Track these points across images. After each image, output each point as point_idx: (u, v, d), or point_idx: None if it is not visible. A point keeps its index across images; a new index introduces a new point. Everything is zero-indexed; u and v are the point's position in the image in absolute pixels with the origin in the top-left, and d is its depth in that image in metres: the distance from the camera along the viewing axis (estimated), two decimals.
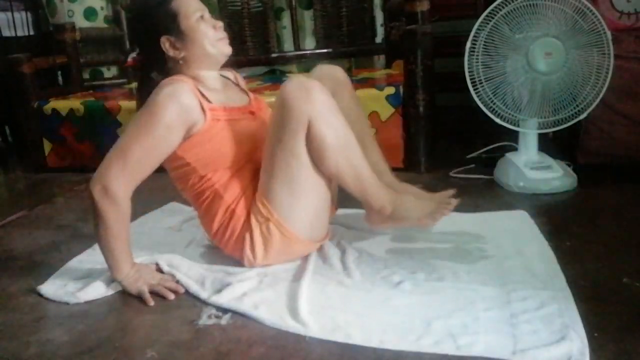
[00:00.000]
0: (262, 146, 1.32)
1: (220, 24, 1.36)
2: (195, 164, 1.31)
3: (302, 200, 1.28)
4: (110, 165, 1.23)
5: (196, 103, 1.27)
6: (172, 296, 1.27)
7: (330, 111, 1.23)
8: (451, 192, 1.35)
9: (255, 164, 1.34)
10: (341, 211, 1.53)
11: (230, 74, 1.53)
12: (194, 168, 1.32)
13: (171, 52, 1.33)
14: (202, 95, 1.30)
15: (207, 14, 1.35)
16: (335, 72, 1.46)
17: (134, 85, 2.98)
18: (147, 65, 1.39)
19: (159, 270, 1.36)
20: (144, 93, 1.31)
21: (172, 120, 1.24)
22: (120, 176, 1.22)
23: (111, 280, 1.32)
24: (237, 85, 1.52)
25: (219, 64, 1.38)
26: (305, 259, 1.38)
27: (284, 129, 1.23)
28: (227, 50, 1.37)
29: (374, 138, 1.49)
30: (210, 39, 1.33)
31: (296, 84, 1.23)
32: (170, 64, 1.35)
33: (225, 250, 1.39)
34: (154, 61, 1.36)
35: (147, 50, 1.38)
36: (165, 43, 1.32)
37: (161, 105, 1.24)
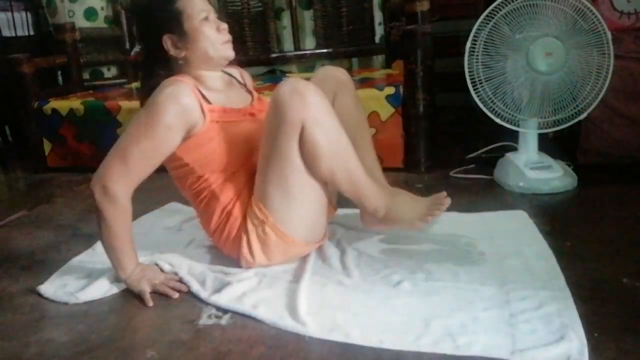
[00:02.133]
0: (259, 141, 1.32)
1: (224, 25, 1.34)
2: (193, 164, 1.31)
3: (298, 203, 1.28)
4: (110, 165, 1.23)
5: (196, 104, 1.27)
6: (176, 295, 1.27)
7: (324, 115, 1.22)
8: (444, 193, 1.33)
9: (252, 165, 1.34)
10: (341, 211, 1.53)
11: (236, 71, 1.51)
12: (192, 168, 1.32)
13: (172, 51, 1.32)
14: (203, 95, 1.30)
15: (212, 15, 1.34)
16: (339, 73, 1.46)
17: (134, 85, 2.98)
18: (149, 61, 1.38)
19: (162, 270, 1.36)
20: (147, 89, 1.31)
21: (172, 122, 1.23)
22: (120, 176, 1.23)
23: (111, 281, 1.33)
24: (243, 84, 1.50)
25: (220, 66, 1.38)
26: (305, 259, 1.38)
27: (277, 132, 1.22)
28: (230, 53, 1.36)
29: (371, 142, 1.48)
30: (213, 41, 1.32)
31: (290, 86, 1.22)
32: (172, 62, 1.34)
33: (223, 251, 1.39)
34: (156, 58, 1.35)
35: (148, 46, 1.37)
36: (167, 41, 1.31)
37: (161, 106, 1.23)
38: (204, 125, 1.28)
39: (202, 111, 1.27)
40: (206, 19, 1.31)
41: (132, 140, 1.24)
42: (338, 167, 1.24)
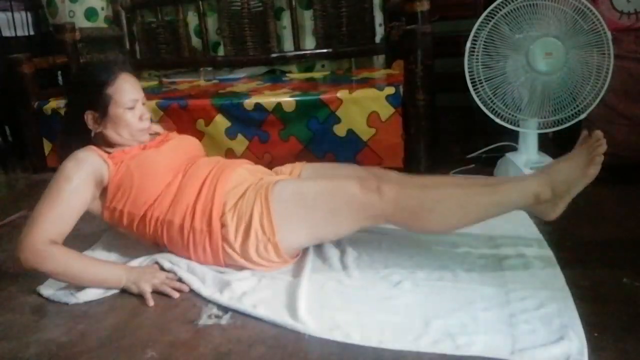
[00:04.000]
0: (180, 161, 1.41)
1: (147, 115, 1.43)
2: (128, 208, 1.37)
3: (308, 239, 1.33)
4: (27, 232, 1.27)
5: (97, 158, 1.36)
6: (176, 295, 1.28)
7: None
8: (593, 132, 1.25)
9: (175, 178, 1.38)
10: None
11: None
12: (130, 212, 1.37)
13: (90, 125, 1.40)
14: (103, 150, 1.39)
15: (140, 103, 1.42)
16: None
17: None
18: (67, 127, 1.46)
19: (162, 269, 1.36)
20: (61, 154, 1.40)
21: (78, 180, 1.31)
22: (38, 238, 1.26)
23: None
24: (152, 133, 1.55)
25: (129, 146, 1.43)
26: (304, 259, 1.38)
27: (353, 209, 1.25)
28: (143, 139, 1.45)
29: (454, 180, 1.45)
30: (131, 128, 1.40)
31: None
32: (87, 132, 1.40)
33: (215, 266, 1.37)
34: (73, 125, 1.42)
35: (70, 114, 1.46)
36: (88, 116, 1.39)
37: (68, 170, 1.32)
38: (110, 170, 1.36)
39: (104, 161, 1.36)
40: (132, 108, 1.39)
41: (44, 205, 1.29)
42: (461, 221, 1.26)
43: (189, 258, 1.37)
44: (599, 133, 1.23)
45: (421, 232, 1.31)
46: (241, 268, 1.34)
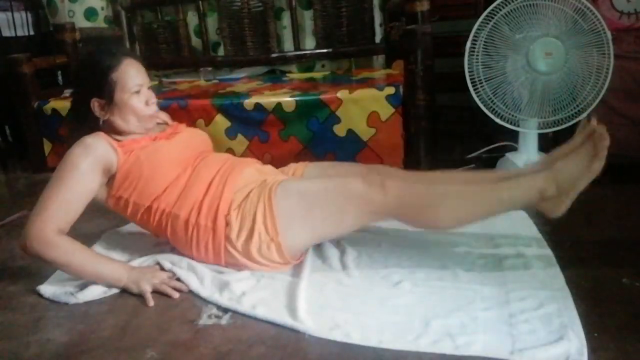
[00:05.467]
0: (190, 155, 1.41)
1: (154, 100, 1.42)
2: (134, 198, 1.36)
3: (311, 238, 1.33)
4: (35, 219, 1.27)
5: (106, 145, 1.34)
6: (176, 295, 1.28)
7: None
8: (584, 120, 1.25)
9: (184, 172, 1.38)
10: None
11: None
12: (136, 203, 1.37)
13: (97, 113, 1.38)
14: (113, 138, 1.38)
15: (145, 88, 1.40)
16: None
17: None
18: (74, 114, 1.45)
19: (162, 269, 1.37)
20: (70, 140, 1.37)
21: (85, 167, 1.30)
22: (46, 225, 1.26)
23: None
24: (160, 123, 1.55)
25: (138, 133, 1.42)
26: (304, 259, 1.38)
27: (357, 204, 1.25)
28: (151, 126, 1.44)
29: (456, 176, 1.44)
30: (138, 114, 1.39)
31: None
32: (94, 120, 1.39)
33: (215, 264, 1.37)
34: (80, 113, 1.41)
35: (77, 102, 1.44)
36: (94, 104, 1.37)
37: (75, 157, 1.31)
38: (119, 160, 1.34)
39: (114, 148, 1.34)
40: (137, 92, 1.37)
41: (51, 192, 1.29)
42: (462, 219, 1.26)
43: (190, 254, 1.37)
44: (601, 128, 1.22)
45: (425, 228, 1.31)
46: (241, 268, 1.34)
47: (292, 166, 1.51)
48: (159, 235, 1.42)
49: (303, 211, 1.27)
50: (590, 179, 1.23)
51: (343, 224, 1.28)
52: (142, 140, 1.40)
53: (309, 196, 1.27)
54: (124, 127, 1.39)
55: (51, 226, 1.26)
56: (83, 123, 1.39)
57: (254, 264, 1.32)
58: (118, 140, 1.38)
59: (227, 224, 1.30)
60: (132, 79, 1.37)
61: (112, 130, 1.40)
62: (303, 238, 1.31)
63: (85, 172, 1.30)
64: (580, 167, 1.22)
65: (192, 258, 1.38)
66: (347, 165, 1.51)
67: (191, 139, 1.49)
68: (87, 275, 1.30)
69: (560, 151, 1.28)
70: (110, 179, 1.37)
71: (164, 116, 1.58)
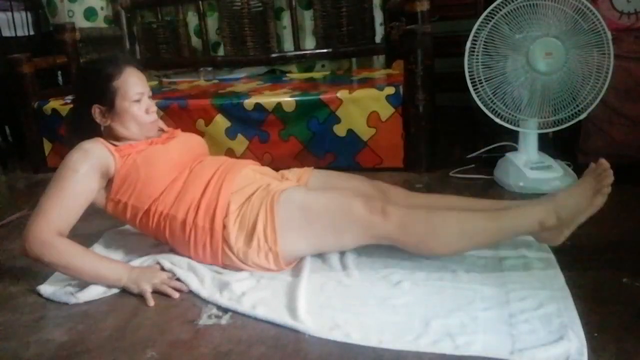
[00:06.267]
0: (186, 158, 1.42)
1: (154, 108, 1.44)
2: (132, 201, 1.37)
3: (309, 251, 1.34)
4: (34, 222, 1.28)
5: (104, 149, 1.36)
6: (176, 295, 1.28)
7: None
8: (599, 162, 1.25)
9: (181, 174, 1.39)
10: None
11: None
12: (134, 205, 1.37)
13: (98, 119, 1.40)
14: (110, 143, 1.39)
15: (146, 96, 1.42)
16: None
17: None
18: (74, 120, 1.47)
19: (162, 269, 1.36)
20: (69, 144, 1.40)
21: (84, 170, 1.32)
22: (45, 228, 1.27)
23: None
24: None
25: (137, 140, 1.43)
26: (303, 259, 1.38)
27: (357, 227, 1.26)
28: (151, 134, 1.45)
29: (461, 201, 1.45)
30: (139, 121, 1.41)
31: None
32: (95, 126, 1.41)
33: (214, 265, 1.37)
34: (81, 118, 1.42)
35: (77, 108, 1.47)
36: (95, 110, 1.39)
37: (73, 161, 1.32)
38: (117, 164, 1.36)
39: (111, 153, 1.36)
40: (138, 101, 1.39)
41: (50, 195, 1.30)
42: (466, 246, 1.28)
43: (189, 255, 1.37)
44: (605, 163, 1.23)
45: (424, 255, 1.31)
46: (239, 269, 1.34)
47: (296, 171, 1.50)
48: (159, 239, 1.42)
49: (303, 224, 1.28)
50: (591, 212, 1.24)
51: (341, 243, 1.31)
52: (139, 145, 1.41)
53: (311, 212, 1.27)
54: (124, 133, 1.41)
55: (48, 229, 1.27)
56: (83, 128, 1.41)
57: (250, 267, 1.33)
58: (115, 145, 1.39)
59: (225, 226, 1.30)
60: (133, 87, 1.39)
61: (111, 136, 1.42)
62: (301, 249, 1.32)
63: (83, 175, 1.32)
64: (582, 201, 1.23)
65: (191, 259, 1.38)
66: (352, 178, 1.49)
67: (187, 143, 1.50)
68: (87, 277, 1.30)
69: (564, 189, 1.31)
70: (108, 183, 1.38)
71: (160, 124, 1.60)
